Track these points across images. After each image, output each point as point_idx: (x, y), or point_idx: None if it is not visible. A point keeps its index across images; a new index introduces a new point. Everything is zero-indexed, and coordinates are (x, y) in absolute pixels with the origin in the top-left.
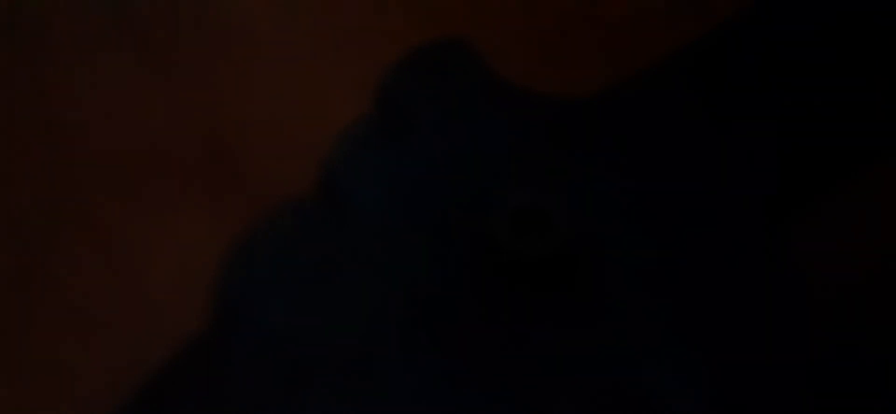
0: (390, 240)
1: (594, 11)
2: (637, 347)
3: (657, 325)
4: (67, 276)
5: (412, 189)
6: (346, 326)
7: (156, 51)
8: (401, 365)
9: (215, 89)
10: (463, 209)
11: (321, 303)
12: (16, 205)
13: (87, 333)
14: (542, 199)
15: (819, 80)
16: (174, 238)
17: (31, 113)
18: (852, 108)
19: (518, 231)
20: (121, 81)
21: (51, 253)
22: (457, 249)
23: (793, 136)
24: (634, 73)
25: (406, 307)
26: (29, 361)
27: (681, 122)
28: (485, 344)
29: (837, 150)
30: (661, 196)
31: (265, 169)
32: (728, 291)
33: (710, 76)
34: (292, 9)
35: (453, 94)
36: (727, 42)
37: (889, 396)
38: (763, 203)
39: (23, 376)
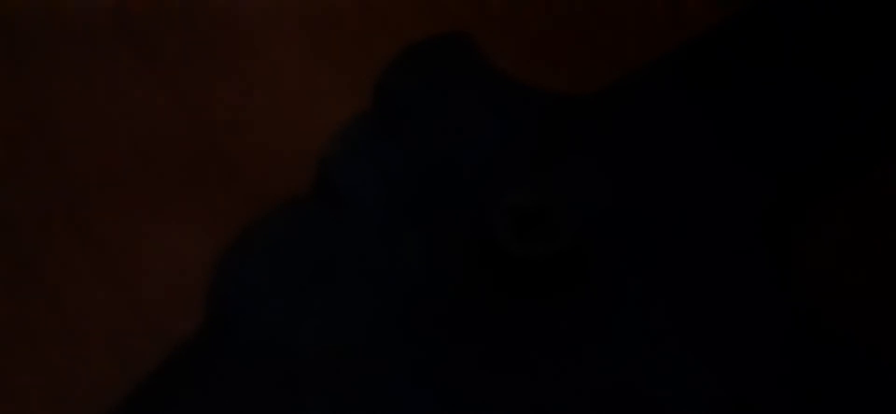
0: (387, 238)
1: (593, 10)
2: (637, 348)
3: (657, 326)
4: (60, 279)
5: (410, 186)
6: (343, 328)
7: (151, 52)
8: (398, 366)
9: (211, 90)
10: (461, 207)
11: (317, 304)
12: (8, 207)
13: (79, 337)
14: (542, 199)
15: (819, 81)
16: (169, 240)
17: (24, 114)
18: (852, 108)
19: (518, 231)
20: (116, 84)
21: (43, 256)
22: (455, 248)
23: (792, 137)
24: (634, 71)
25: (403, 307)
26: (20, 365)
27: (680, 122)
28: (484, 344)
29: (837, 152)
30: (661, 196)
31: (261, 170)
32: (728, 292)
33: (709, 75)
34: (289, 8)
35: (452, 90)
36: (726, 41)
37: (889, 400)
38: (763, 204)
39: (14, 381)
